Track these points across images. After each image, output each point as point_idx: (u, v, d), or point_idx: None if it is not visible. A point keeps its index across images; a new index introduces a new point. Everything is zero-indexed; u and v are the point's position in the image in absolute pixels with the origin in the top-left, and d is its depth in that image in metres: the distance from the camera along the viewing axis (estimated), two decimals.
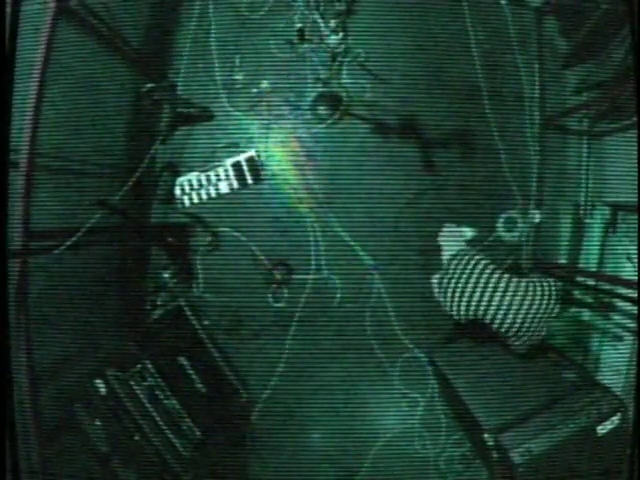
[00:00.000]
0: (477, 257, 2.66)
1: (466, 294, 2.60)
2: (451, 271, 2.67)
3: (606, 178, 3.26)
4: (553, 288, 2.58)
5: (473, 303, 2.58)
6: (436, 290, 2.77)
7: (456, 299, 2.62)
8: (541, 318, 2.55)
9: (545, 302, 2.54)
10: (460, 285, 2.61)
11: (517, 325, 2.55)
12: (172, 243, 3.43)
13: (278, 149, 3.45)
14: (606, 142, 3.31)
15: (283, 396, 3.40)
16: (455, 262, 2.68)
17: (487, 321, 2.60)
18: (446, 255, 2.79)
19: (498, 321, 2.57)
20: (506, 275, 2.58)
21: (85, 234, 2.62)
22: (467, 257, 2.67)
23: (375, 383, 3.43)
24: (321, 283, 3.44)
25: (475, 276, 2.60)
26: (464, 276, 2.62)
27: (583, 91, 3.33)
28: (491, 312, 2.56)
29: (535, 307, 2.53)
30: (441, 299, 2.71)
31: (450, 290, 2.64)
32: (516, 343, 2.65)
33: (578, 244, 3.39)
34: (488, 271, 2.60)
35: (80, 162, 3.14)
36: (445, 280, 2.68)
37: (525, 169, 3.43)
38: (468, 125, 3.40)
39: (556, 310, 2.58)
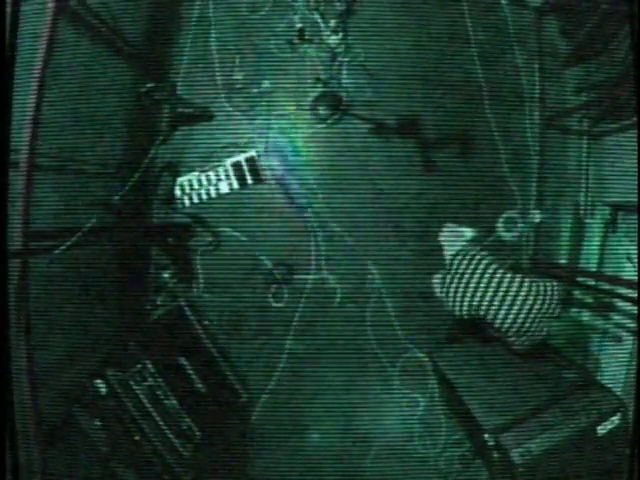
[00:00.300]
0: (478, 257, 2.66)
1: (468, 293, 2.59)
2: (453, 270, 2.67)
3: (606, 178, 3.26)
4: (555, 289, 2.57)
5: (475, 302, 2.58)
6: (438, 289, 2.77)
7: (458, 298, 2.62)
8: (542, 318, 2.55)
9: (547, 303, 2.54)
10: (462, 284, 2.61)
11: (518, 325, 2.54)
12: (172, 243, 3.43)
13: (278, 149, 3.45)
14: (606, 142, 3.31)
15: (283, 396, 3.40)
16: (457, 261, 2.68)
17: (488, 320, 2.60)
18: (447, 255, 2.79)
19: (499, 320, 2.57)
20: (508, 275, 2.58)
21: (85, 234, 2.61)
22: (469, 256, 2.67)
23: (375, 383, 3.43)
24: (321, 283, 3.44)
25: (477, 275, 2.59)
26: (466, 275, 2.62)
27: (583, 91, 3.33)
28: (492, 311, 2.56)
29: (537, 307, 2.53)
30: (443, 298, 2.71)
31: (452, 289, 2.64)
32: (516, 343, 2.65)
33: (578, 244, 3.39)
34: (490, 270, 2.59)
35: (80, 162, 3.14)
36: (447, 279, 2.68)
37: (525, 169, 3.43)
38: (468, 125, 3.40)
39: (557, 311, 2.58)
